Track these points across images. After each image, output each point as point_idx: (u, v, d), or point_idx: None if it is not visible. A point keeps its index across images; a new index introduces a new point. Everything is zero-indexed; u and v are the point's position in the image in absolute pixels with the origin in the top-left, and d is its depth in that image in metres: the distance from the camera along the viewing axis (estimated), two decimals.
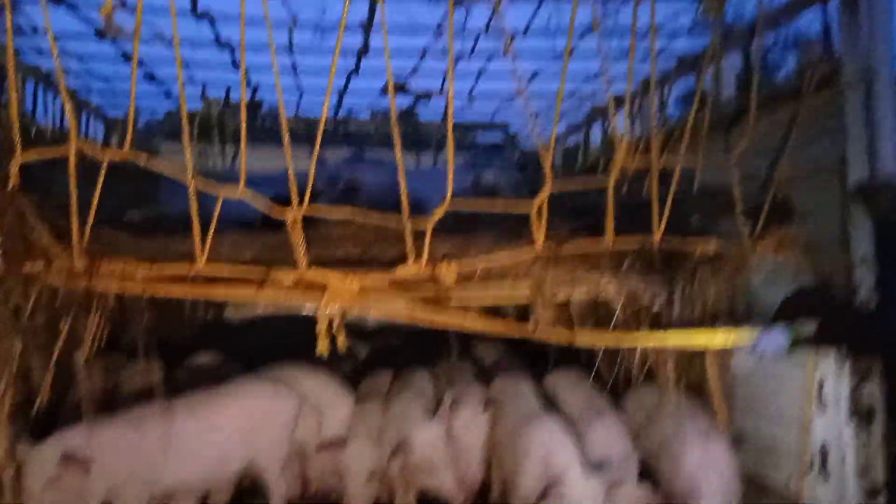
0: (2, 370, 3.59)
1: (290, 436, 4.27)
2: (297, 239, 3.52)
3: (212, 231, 3.47)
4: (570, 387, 4.59)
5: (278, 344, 5.06)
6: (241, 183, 3.45)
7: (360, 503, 4.24)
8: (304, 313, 4.26)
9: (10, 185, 3.17)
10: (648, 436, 4.12)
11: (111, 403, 4.26)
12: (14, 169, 3.19)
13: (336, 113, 8.60)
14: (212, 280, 3.77)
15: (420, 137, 9.15)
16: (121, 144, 3.38)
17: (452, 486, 4.15)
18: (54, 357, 3.98)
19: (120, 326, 4.23)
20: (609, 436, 3.98)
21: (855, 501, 3.18)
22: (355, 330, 7.00)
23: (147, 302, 4.59)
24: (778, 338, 2.96)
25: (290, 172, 3.42)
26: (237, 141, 3.80)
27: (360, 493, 4.23)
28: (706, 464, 3.63)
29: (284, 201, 3.56)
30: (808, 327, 2.97)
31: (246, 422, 4.08)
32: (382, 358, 5.61)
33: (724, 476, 3.62)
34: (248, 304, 7.31)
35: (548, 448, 3.71)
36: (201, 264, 3.55)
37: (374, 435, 4.28)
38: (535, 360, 5.24)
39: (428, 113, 8.65)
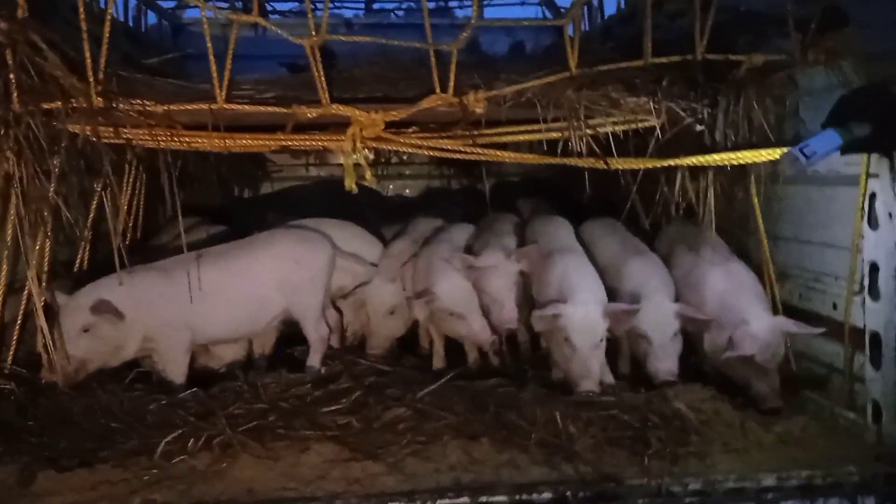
0: (35, 217, 3.62)
1: (324, 281, 4.27)
2: (318, 69, 3.38)
3: (228, 64, 3.35)
4: (606, 232, 4.54)
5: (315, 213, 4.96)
6: (255, 9, 3.30)
7: (380, 337, 4.38)
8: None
9: (19, 14, 3.05)
10: (673, 270, 4.11)
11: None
12: None
13: None
14: (234, 129, 3.71)
15: None
16: None
17: (481, 330, 4.13)
18: (91, 216, 4.01)
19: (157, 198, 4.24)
20: (645, 268, 3.96)
21: None
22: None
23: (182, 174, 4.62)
24: (829, 139, 2.76)
25: None
26: None
27: (379, 327, 4.37)
28: (729, 287, 3.66)
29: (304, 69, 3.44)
30: (863, 129, 2.76)
31: (277, 268, 4.08)
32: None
33: (747, 295, 3.64)
34: (281, 170, 7.35)
35: (565, 275, 3.80)
36: (221, 103, 3.45)
37: (395, 274, 4.40)
38: (576, 214, 5.12)
39: None
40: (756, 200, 3.76)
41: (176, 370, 3.86)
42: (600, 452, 3.21)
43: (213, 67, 3.36)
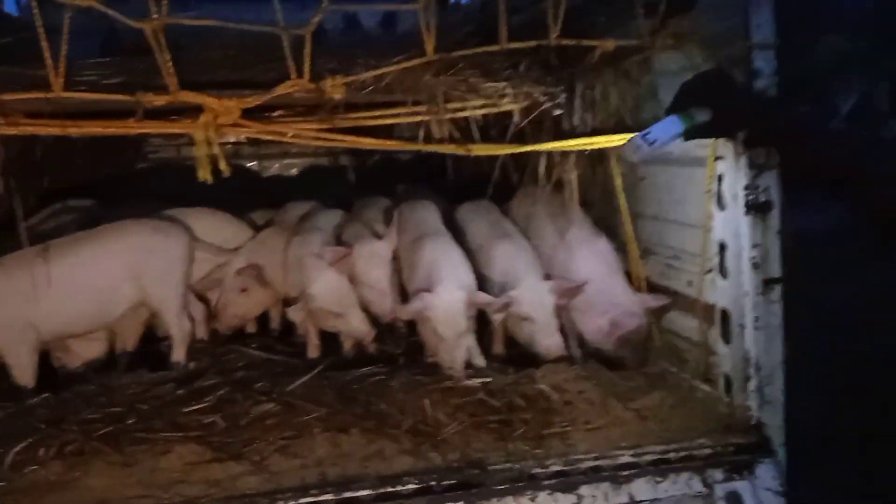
0: None
1: (182, 272, 4.12)
2: (162, 55, 3.19)
3: (64, 50, 3.12)
4: (477, 215, 4.56)
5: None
6: None
7: (228, 316, 4.39)
8: None
9: None
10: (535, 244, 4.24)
11: None
12: None
13: None
14: (80, 115, 3.48)
15: None
16: None
17: (360, 325, 4.07)
18: None
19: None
20: (514, 252, 4.01)
21: (751, 294, 3.16)
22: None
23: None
24: (671, 125, 2.81)
25: None
26: None
27: (228, 306, 4.39)
28: (598, 269, 3.82)
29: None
30: (704, 115, 2.82)
31: (129, 259, 3.91)
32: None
33: (616, 275, 3.83)
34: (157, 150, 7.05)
35: (430, 262, 3.82)
36: (58, 91, 3.22)
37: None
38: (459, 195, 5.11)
39: None
40: (618, 181, 3.82)
41: (23, 373, 3.66)
42: (467, 438, 3.23)
43: (47, 54, 3.12)
